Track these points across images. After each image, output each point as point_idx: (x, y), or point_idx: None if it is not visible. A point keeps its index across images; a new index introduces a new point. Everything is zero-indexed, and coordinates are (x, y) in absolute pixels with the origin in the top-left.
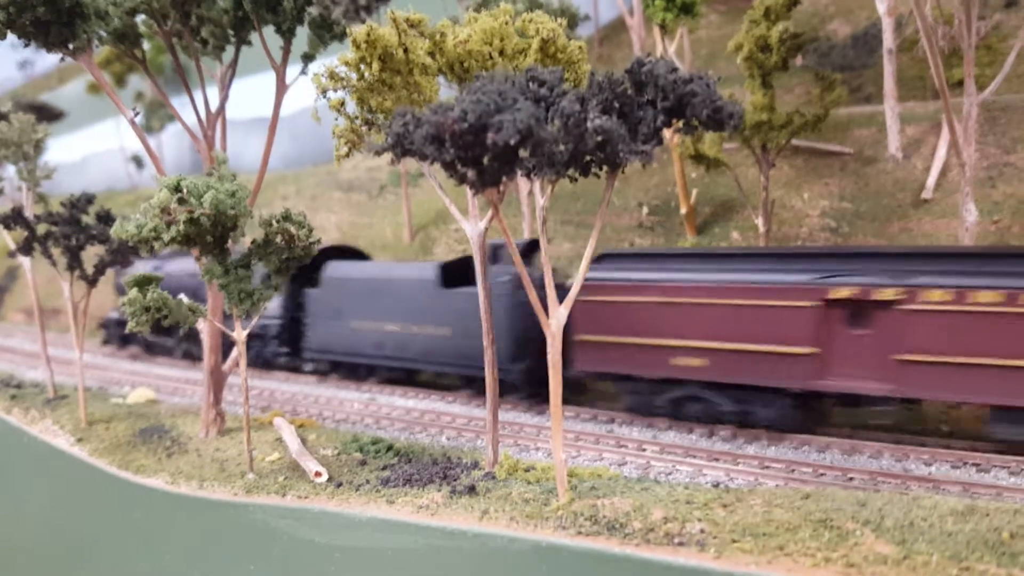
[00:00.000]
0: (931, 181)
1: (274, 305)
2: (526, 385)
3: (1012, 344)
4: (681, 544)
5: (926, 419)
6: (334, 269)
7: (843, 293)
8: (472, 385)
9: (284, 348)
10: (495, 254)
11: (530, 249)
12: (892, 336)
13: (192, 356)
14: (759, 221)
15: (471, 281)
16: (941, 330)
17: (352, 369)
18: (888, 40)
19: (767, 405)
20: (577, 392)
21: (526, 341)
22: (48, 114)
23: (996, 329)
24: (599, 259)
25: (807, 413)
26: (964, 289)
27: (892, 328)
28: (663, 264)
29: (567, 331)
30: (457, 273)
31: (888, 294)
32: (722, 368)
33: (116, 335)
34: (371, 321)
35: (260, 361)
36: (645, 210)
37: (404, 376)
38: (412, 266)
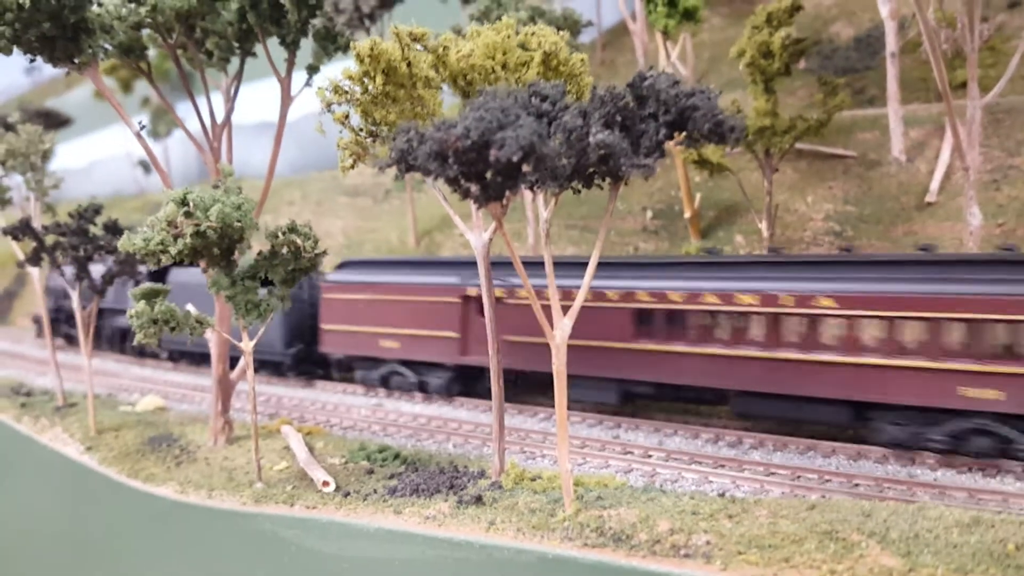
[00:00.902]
0: (935, 184)
1: None
2: (295, 366)
3: (577, 328)
4: (687, 556)
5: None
6: (175, 275)
7: (473, 292)
8: (264, 368)
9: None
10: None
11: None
12: (504, 323)
13: (111, 345)
14: (762, 225)
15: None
16: (527, 318)
17: (192, 356)
18: (891, 43)
19: (436, 377)
20: (323, 365)
21: (297, 331)
22: (55, 120)
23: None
24: (341, 266)
25: (462, 382)
26: (538, 288)
27: (505, 317)
28: (383, 269)
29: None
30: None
31: (498, 293)
32: (408, 349)
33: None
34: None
35: (137, 351)
36: (649, 214)
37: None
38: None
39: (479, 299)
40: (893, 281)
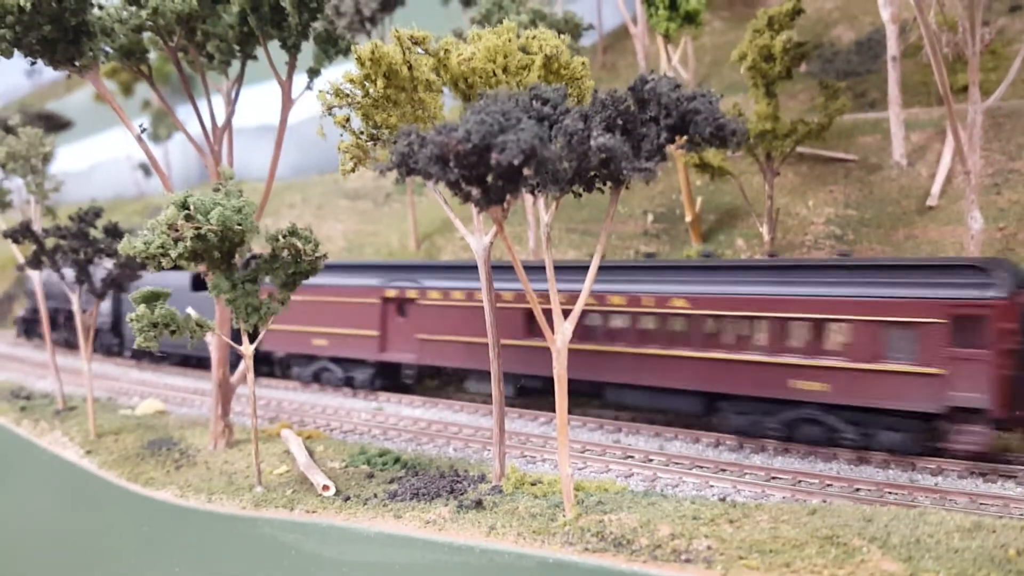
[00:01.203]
0: (936, 188)
1: (107, 308)
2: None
3: (474, 327)
4: (688, 561)
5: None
6: (150, 279)
7: (391, 293)
8: (204, 364)
9: (116, 339)
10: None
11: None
12: (416, 322)
13: (70, 345)
14: (763, 229)
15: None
16: (436, 318)
17: (152, 355)
18: (892, 46)
19: (361, 372)
20: (268, 363)
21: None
22: (56, 123)
23: (464, 317)
24: None
25: (383, 377)
26: (445, 289)
27: (416, 316)
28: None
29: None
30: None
31: (412, 294)
32: (336, 347)
33: (23, 330)
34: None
35: (103, 349)
36: (650, 218)
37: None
38: (173, 275)
39: (397, 300)
40: (739, 283)
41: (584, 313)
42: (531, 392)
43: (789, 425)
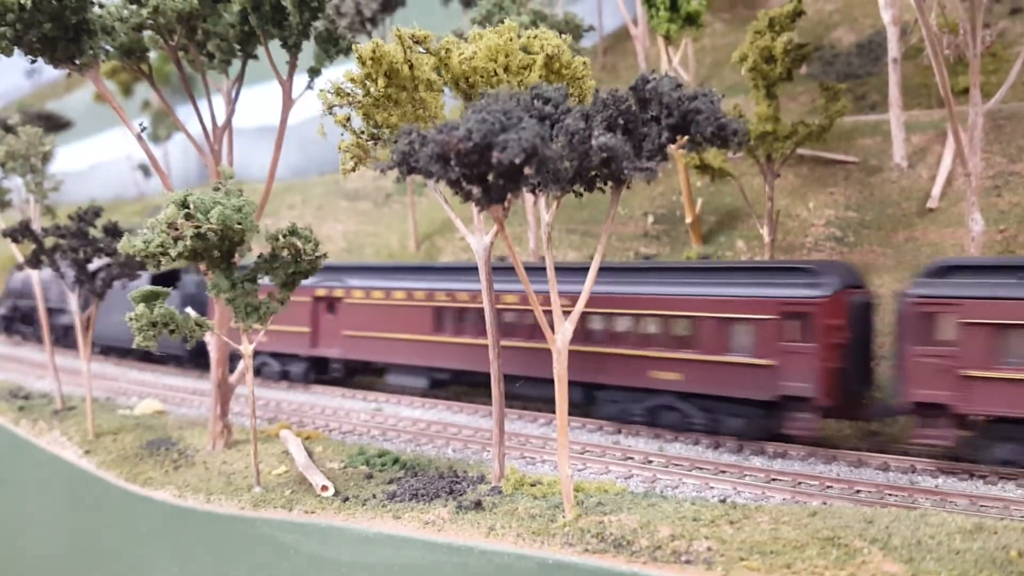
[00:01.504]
0: (936, 190)
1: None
2: (191, 359)
3: (392, 323)
4: (688, 562)
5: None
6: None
7: (321, 292)
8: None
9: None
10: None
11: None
12: (342, 319)
13: (35, 339)
14: (764, 231)
15: (172, 285)
16: (360, 315)
17: (119, 350)
18: (893, 48)
19: (295, 366)
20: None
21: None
22: (55, 123)
23: (384, 315)
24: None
25: (315, 370)
26: (367, 289)
27: (342, 314)
28: None
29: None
30: (163, 280)
31: (339, 293)
32: (274, 343)
33: (2, 327)
34: (119, 314)
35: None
36: (650, 219)
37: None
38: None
39: (326, 299)
40: (609, 283)
41: (479, 311)
42: (442, 384)
43: (652, 412)
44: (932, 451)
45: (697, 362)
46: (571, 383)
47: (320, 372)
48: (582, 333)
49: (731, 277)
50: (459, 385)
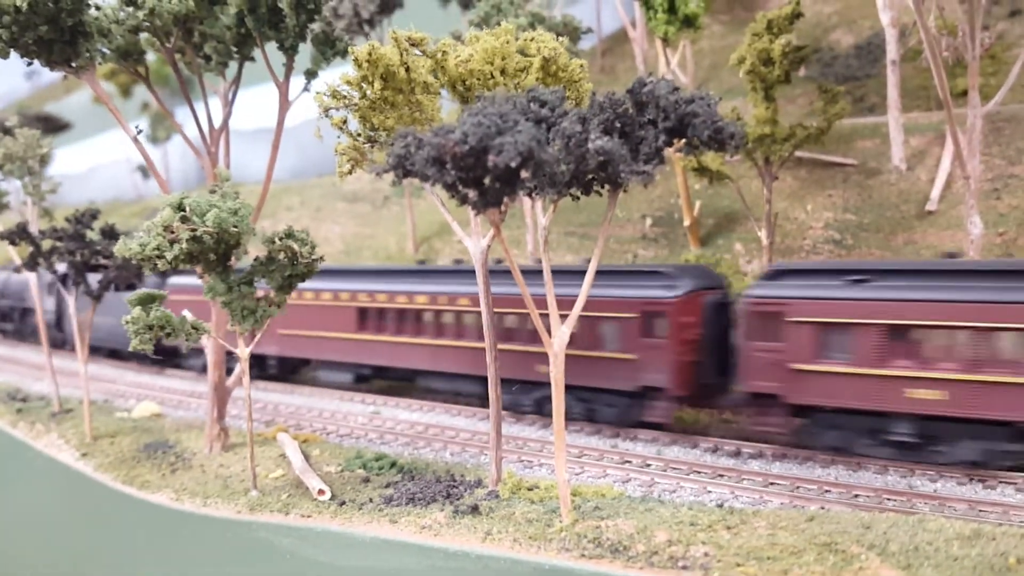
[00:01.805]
0: (935, 193)
1: (51, 304)
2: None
3: (320, 323)
4: (685, 568)
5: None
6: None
7: (258, 293)
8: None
9: (59, 334)
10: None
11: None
12: (277, 318)
13: (22, 336)
14: (762, 233)
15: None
16: (292, 315)
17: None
18: (892, 51)
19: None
20: (176, 355)
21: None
22: (54, 125)
23: (313, 315)
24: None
25: (256, 368)
26: (299, 289)
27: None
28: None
29: None
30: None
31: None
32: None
33: None
34: (100, 316)
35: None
36: (649, 222)
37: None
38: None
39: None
40: (503, 284)
41: (399, 311)
42: (367, 379)
43: (538, 402)
44: (768, 437)
45: (575, 357)
46: (472, 376)
47: (261, 370)
48: (478, 331)
49: (608, 280)
50: (381, 379)
